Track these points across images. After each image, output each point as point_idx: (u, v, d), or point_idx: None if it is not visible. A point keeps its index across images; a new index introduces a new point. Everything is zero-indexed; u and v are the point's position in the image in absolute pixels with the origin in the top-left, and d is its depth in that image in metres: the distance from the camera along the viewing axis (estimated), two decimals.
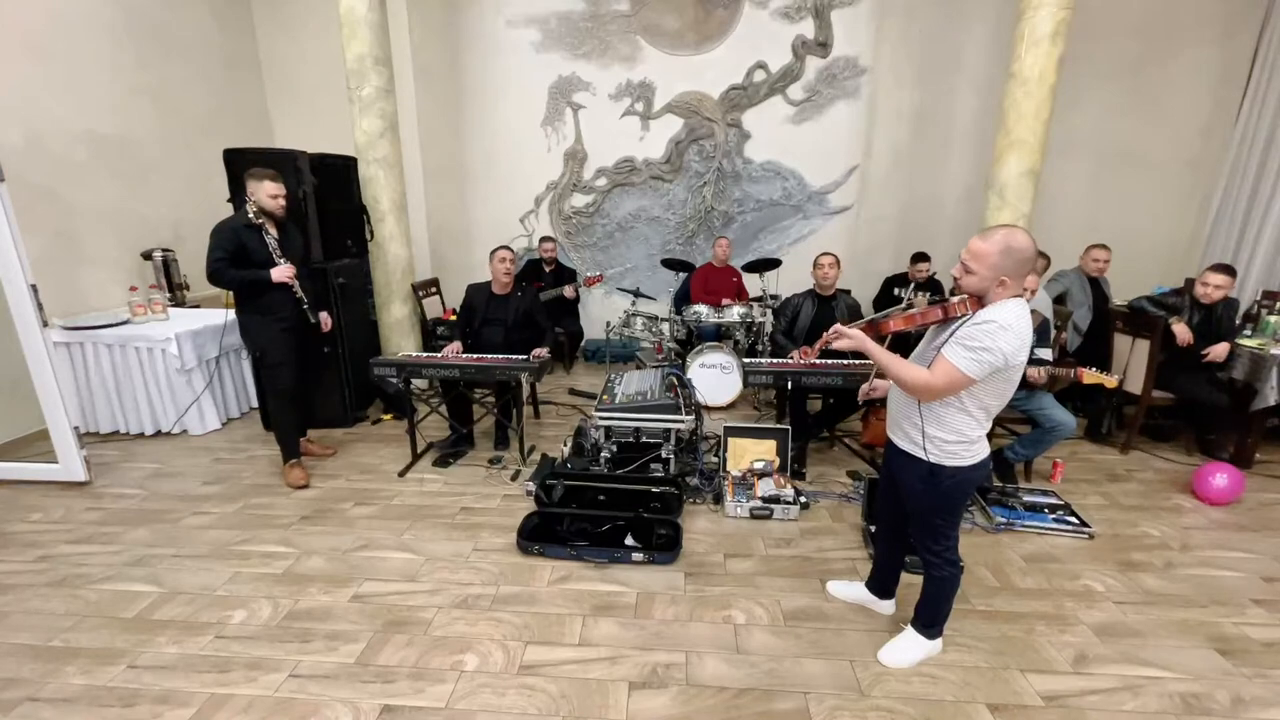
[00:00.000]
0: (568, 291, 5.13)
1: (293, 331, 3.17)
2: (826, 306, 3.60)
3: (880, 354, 1.78)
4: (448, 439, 3.69)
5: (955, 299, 1.72)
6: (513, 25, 5.46)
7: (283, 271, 3.03)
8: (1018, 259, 1.61)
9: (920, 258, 4.92)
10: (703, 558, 2.59)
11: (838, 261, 3.56)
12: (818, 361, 3.26)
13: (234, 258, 2.97)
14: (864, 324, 1.89)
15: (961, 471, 1.75)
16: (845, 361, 3.31)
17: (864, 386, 2.15)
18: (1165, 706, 1.83)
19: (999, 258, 1.61)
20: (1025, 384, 3.01)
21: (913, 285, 4.86)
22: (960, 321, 1.67)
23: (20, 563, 2.53)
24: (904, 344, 2.76)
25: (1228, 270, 3.39)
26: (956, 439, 1.73)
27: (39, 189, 3.75)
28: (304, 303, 3.17)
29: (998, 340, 1.57)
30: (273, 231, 3.07)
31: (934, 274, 5.02)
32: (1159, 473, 3.43)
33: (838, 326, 1.89)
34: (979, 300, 1.68)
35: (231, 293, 3.20)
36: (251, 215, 2.99)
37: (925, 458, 1.77)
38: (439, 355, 3.46)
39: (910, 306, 1.84)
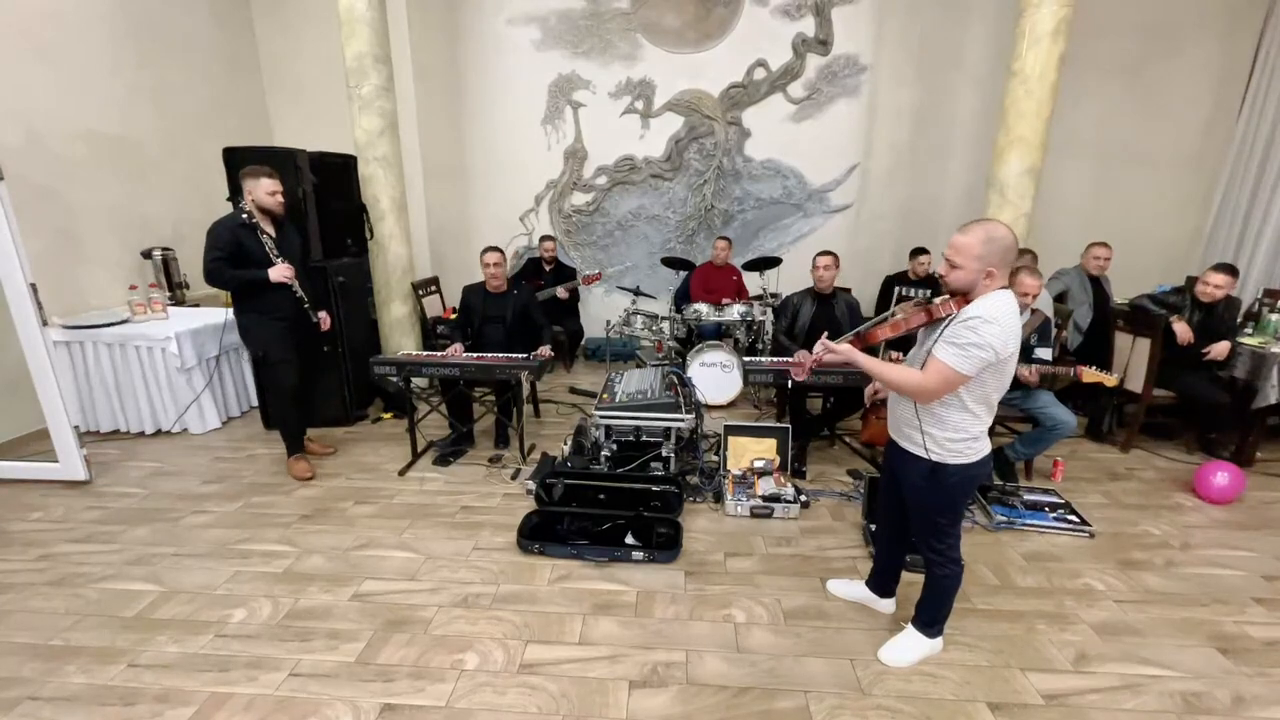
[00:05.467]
0: (560, 292, 5.10)
1: (293, 330, 3.16)
2: (826, 305, 3.59)
3: (871, 364, 1.79)
4: (448, 438, 3.69)
5: (939, 300, 1.74)
6: (513, 23, 5.45)
7: (281, 271, 3.01)
8: (1000, 248, 1.63)
9: (920, 251, 4.89)
10: (703, 556, 2.59)
11: (836, 262, 3.54)
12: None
13: (231, 257, 2.95)
14: (851, 336, 1.92)
15: (964, 469, 1.76)
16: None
17: (869, 388, 2.17)
18: (1166, 705, 1.83)
19: (983, 248, 1.62)
20: (1021, 384, 3.01)
21: (912, 289, 4.84)
22: (947, 321, 1.69)
23: (21, 562, 2.53)
24: (903, 345, 2.76)
25: (1229, 270, 3.38)
26: (958, 436, 1.73)
27: (38, 188, 3.75)
28: (304, 302, 3.16)
29: (985, 335, 1.58)
30: (269, 230, 3.05)
31: (934, 272, 5.01)
32: (1160, 471, 3.43)
33: (825, 342, 1.90)
34: (964, 298, 1.69)
35: (229, 293, 3.19)
36: (245, 215, 2.97)
37: (928, 457, 1.77)
38: (439, 354, 3.46)
39: (896, 313, 1.85)
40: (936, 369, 1.64)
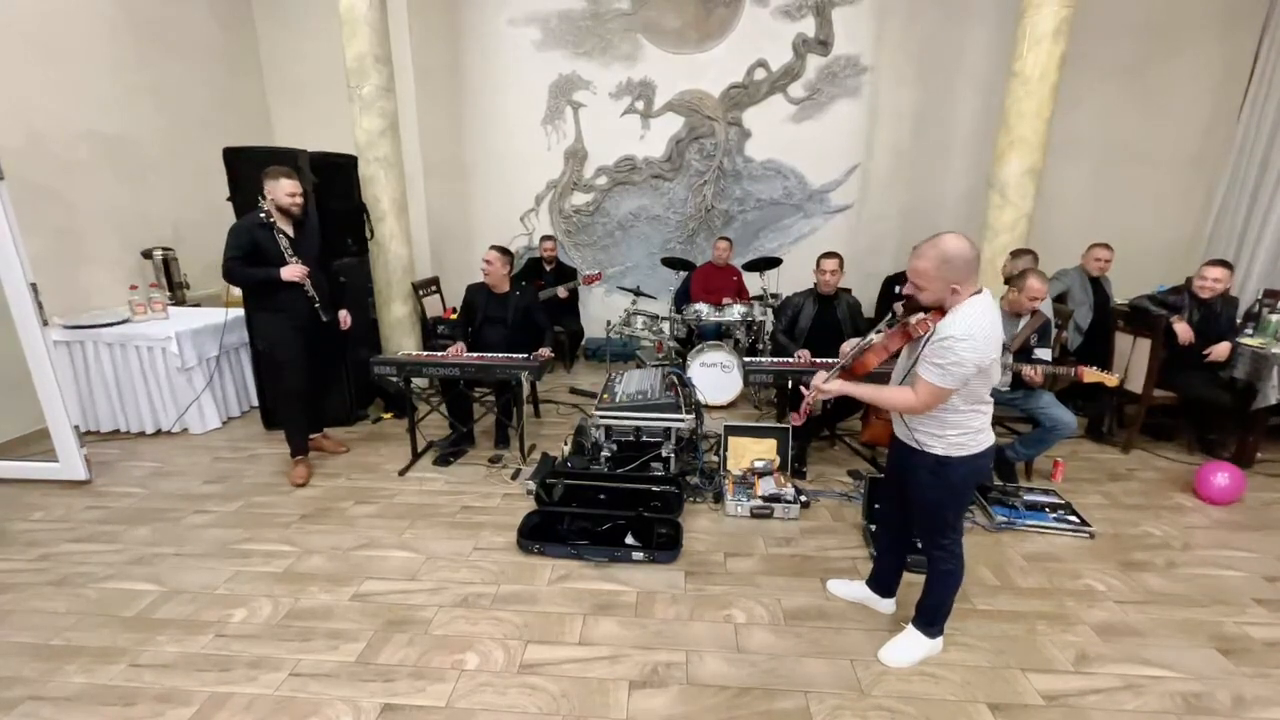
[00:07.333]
0: (561, 292, 5.10)
1: (303, 330, 3.17)
2: (828, 306, 3.59)
3: (863, 392, 1.84)
4: (448, 438, 3.69)
5: (914, 319, 1.76)
6: (514, 24, 5.46)
7: (292, 271, 3.03)
8: (958, 264, 1.63)
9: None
10: (703, 557, 2.59)
11: (841, 265, 3.54)
12: (817, 360, 3.25)
13: (247, 256, 3.00)
14: (839, 372, 1.94)
15: (969, 461, 1.78)
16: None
17: (808, 395, 1.98)
18: (1167, 706, 1.83)
19: (939, 270, 1.65)
20: (1024, 384, 3.01)
21: (890, 313, 4.80)
22: (925, 339, 1.71)
23: (21, 561, 2.53)
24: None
25: (1225, 264, 3.40)
26: (960, 432, 1.76)
27: (39, 188, 3.75)
28: (315, 302, 3.17)
29: (961, 353, 1.61)
30: (286, 230, 3.08)
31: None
32: (1160, 472, 3.43)
33: (816, 385, 1.93)
34: (941, 311, 1.70)
35: (239, 290, 3.22)
36: (263, 215, 3.00)
37: (934, 452, 1.79)
38: (440, 354, 3.45)
39: (874, 339, 1.88)
40: (924, 388, 1.69)
